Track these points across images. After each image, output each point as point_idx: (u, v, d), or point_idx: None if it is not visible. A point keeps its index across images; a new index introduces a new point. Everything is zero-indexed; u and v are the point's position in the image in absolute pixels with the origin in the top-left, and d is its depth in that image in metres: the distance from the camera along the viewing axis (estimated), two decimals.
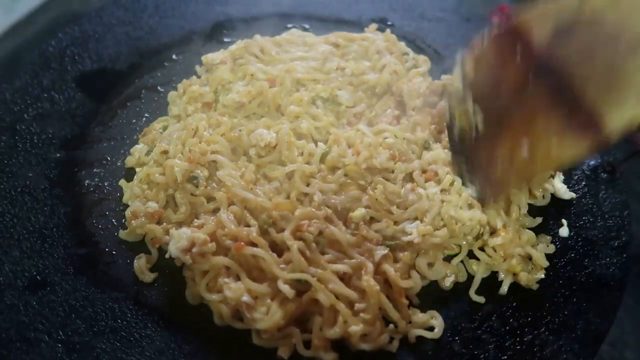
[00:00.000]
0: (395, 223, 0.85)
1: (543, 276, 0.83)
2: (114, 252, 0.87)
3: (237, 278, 0.77)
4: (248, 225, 0.81)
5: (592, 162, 0.99)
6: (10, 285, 0.79)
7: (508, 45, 0.70)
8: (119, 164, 0.98)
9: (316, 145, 0.93)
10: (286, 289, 0.74)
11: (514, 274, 0.84)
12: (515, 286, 0.84)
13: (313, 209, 0.82)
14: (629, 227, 0.90)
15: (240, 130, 0.94)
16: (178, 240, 0.78)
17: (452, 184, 0.89)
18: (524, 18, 0.70)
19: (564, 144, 0.67)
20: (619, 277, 0.84)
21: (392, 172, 0.90)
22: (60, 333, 0.75)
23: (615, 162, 0.99)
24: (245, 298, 0.74)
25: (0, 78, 1.08)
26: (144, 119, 1.07)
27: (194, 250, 0.77)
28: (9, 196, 0.90)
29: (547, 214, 0.92)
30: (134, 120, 1.07)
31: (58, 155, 0.98)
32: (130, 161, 0.97)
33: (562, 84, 0.66)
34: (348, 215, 0.85)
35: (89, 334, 0.76)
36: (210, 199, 0.87)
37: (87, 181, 0.96)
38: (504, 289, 0.83)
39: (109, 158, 1.00)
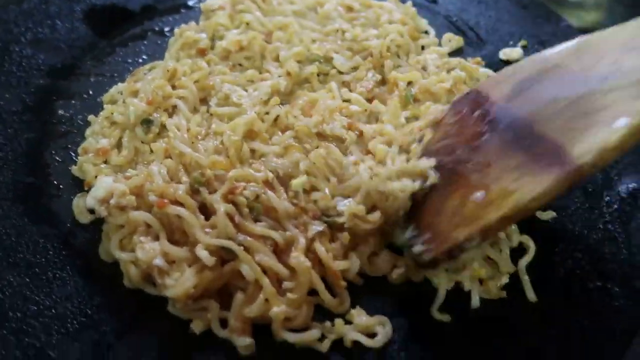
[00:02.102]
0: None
1: (507, 280, 0.69)
2: (61, 187, 0.81)
3: (157, 238, 0.68)
4: (180, 182, 0.72)
5: (632, 184, 0.80)
6: None
7: (466, 105, 0.74)
8: (98, 100, 0.93)
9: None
10: (204, 255, 0.64)
11: (481, 282, 0.69)
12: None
13: (252, 171, 0.71)
14: None
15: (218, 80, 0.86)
16: (97, 188, 0.71)
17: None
18: (485, 83, 0.76)
19: (523, 181, 0.60)
20: (626, 329, 0.65)
21: (344, 142, 0.78)
22: None
23: None
24: (158, 261, 0.65)
25: (12, 1, 1.07)
26: (140, 60, 1.02)
27: (112, 201, 0.69)
28: None
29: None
30: (130, 60, 1.02)
31: (41, 81, 0.95)
32: (106, 98, 0.91)
33: (521, 128, 0.64)
34: (290, 182, 0.73)
35: (3, 264, 0.70)
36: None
37: (60, 111, 0.91)
38: (475, 301, 0.68)
39: (91, 92, 0.95)
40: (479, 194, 0.63)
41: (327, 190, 0.74)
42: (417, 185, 0.70)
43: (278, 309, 0.62)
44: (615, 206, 0.78)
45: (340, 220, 0.71)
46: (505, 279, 0.70)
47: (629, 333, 0.66)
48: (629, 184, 0.80)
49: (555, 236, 0.76)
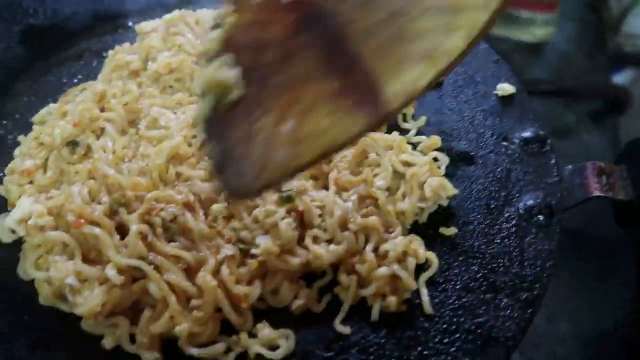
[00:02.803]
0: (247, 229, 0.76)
1: (409, 296, 0.74)
2: None
3: (73, 257, 0.71)
4: (100, 203, 0.75)
5: (529, 201, 0.86)
6: None
7: None
8: (30, 120, 0.96)
9: None
10: (112, 274, 0.67)
11: (383, 296, 0.73)
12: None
13: (172, 192, 0.75)
14: (546, 281, 0.77)
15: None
16: (17, 209, 0.74)
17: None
18: None
19: (336, 120, 0.55)
20: (512, 335, 0.71)
21: None
22: None
23: (559, 206, 0.86)
24: (70, 280, 0.68)
25: None
26: (75, 80, 1.05)
27: (30, 221, 0.72)
28: None
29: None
30: (65, 81, 1.05)
31: None
32: (36, 118, 0.94)
33: (337, 45, 0.56)
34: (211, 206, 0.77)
35: None
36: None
37: None
38: (375, 315, 0.73)
39: (23, 112, 0.97)
40: (290, 124, 0.56)
41: (246, 220, 0.77)
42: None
43: (181, 327, 0.66)
44: (513, 222, 0.84)
45: (254, 251, 0.74)
46: (407, 295, 0.75)
47: (513, 340, 0.72)
48: (527, 201, 0.86)
49: (456, 251, 0.81)
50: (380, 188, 0.81)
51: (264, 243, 0.73)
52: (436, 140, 0.92)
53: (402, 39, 0.54)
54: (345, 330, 0.72)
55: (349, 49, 0.56)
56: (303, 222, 0.77)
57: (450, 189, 0.83)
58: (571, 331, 1.16)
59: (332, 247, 0.75)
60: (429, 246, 0.80)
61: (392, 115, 0.55)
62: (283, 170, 0.57)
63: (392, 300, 0.73)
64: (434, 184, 0.82)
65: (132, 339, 0.69)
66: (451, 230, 0.83)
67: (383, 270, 0.74)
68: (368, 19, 0.56)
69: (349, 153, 0.86)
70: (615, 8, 1.83)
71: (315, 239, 0.76)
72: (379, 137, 0.87)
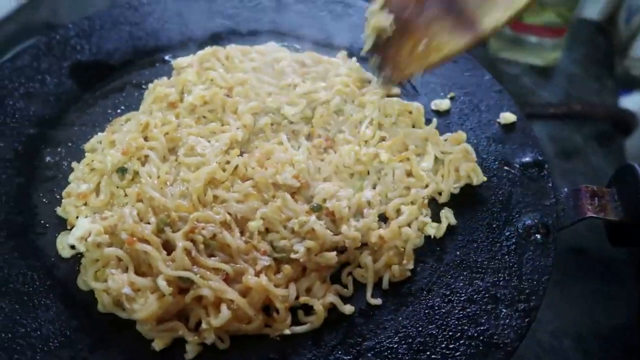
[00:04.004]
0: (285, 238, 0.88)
1: (412, 266, 0.90)
2: (47, 225, 0.95)
3: (127, 270, 0.82)
4: (148, 223, 0.86)
5: (528, 221, 0.96)
6: None
7: None
8: (81, 147, 1.07)
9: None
10: (163, 284, 0.78)
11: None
12: None
13: (211, 213, 0.86)
14: (543, 293, 0.86)
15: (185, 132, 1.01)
16: (77, 228, 0.85)
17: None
18: None
19: (451, 39, 0.95)
20: (511, 341, 0.80)
21: (296, 191, 0.94)
22: None
23: (555, 225, 0.95)
24: (126, 290, 0.79)
25: (7, 59, 1.22)
26: (119, 110, 1.16)
27: (89, 239, 0.83)
28: None
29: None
30: (110, 111, 1.16)
31: (31, 131, 1.09)
32: (87, 146, 1.06)
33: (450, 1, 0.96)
34: (247, 223, 0.88)
35: None
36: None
37: (48, 158, 1.05)
38: (385, 284, 0.88)
39: (75, 140, 1.09)
40: (424, 42, 0.98)
41: (283, 232, 0.89)
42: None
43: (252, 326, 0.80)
44: (513, 240, 0.94)
45: (295, 256, 0.85)
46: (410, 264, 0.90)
47: (512, 346, 0.81)
48: (525, 221, 0.96)
49: (462, 267, 0.91)
50: (425, 169, 1.02)
51: (303, 246, 0.85)
52: (461, 135, 1.06)
53: None
54: (377, 301, 0.86)
55: (459, 3, 0.94)
56: (334, 220, 0.92)
57: (480, 174, 1.01)
58: (575, 347, 1.24)
59: (361, 221, 0.92)
60: (438, 260, 0.91)
61: (486, 36, 0.91)
62: (419, 67, 1.01)
63: (395, 268, 0.87)
64: (468, 167, 1.01)
65: (181, 343, 0.80)
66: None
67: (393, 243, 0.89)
68: None
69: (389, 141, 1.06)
70: (623, 32, 1.92)
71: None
72: (415, 130, 1.08)
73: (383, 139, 1.07)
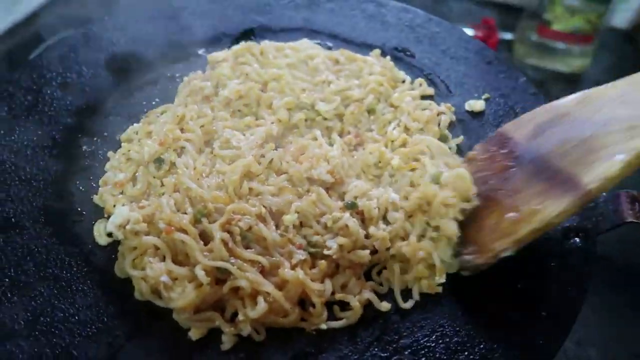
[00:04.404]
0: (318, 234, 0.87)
1: (443, 280, 0.86)
2: (84, 213, 0.96)
3: (164, 259, 0.82)
4: (185, 213, 0.86)
5: (566, 224, 0.94)
6: None
7: (496, 145, 0.93)
8: (117, 137, 1.08)
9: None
10: (201, 274, 0.78)
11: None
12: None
13: (247, 205, 0.86)
14: (583, 297, 0.85)
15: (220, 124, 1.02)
16: (116, 216, 0.85)
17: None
18: (508, 126, 0.94)
19: (546, 203, 0.79)
20: (550, 345, 0.79)
21: (330, 186, 0.93)
22: (12, 270, 0.84)
23: (595, 230, 0.94)
24: (164, 278, 0.79)
25: (45, 49, 1.24)
26: (153, 102, 1.17)
27: (127, 227, 0.84)
28: (15, 147, 1.02)
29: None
30: (144, 103, 1.17)
31: (69, 120, 1.10)
32: (123, 137, 1.07)
33: (541, 163, 0.83)
34: (282, 217, 0.88)
35: (35, 277, 0.84)
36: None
37: (85, 147, 1.06)
38: (415, 295, 0.86)
39: (111, 130, 1.10)
40: (512, 214, 0.82)
41: (317, 227, 0.89)
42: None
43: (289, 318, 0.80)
44: (552, 242, 0.92)
45: (328, 252, 0.85)
46: (442, 278, 0.87)
47: (551, 349, 0.80)
48: (564, 224, 0.94)
49: (499, 268, 0.90)
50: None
51: (336, 243, 0.84)
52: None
53: (591, 151, 0.78)
54: (408, 305, 0.85)
55: (551, 165, 0.82)
56: (364, 220, 0.91)
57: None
58: (600, 357, 1.22)
59: (389, 227, 0.90)
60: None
61: (594, 194, 0.75)
62: (507, 243, 0.81)
63: (425, 283, 0.86)
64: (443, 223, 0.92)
65: (216, 333, 0.80)
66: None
67: (421, 254, 0.87)
68: (564, 147, 0.82)
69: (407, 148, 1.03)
70: None
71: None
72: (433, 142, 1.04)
73: (404, 144, 1.06)
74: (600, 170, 0.75)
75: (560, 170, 0.79)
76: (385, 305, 0.84)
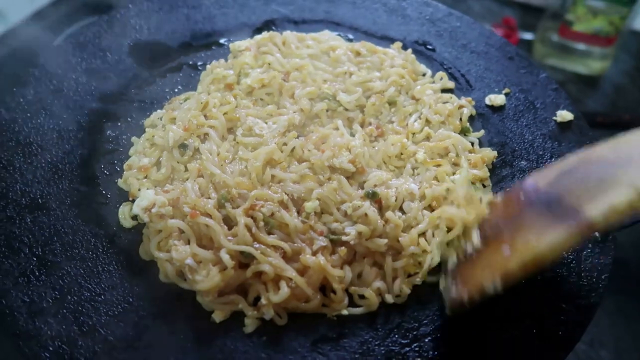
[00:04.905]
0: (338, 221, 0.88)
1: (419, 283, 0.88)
2: (108, 196, 0.97)
3: (188, 242, 0.84)
4: (209, 198, 0.87)
5: None
6: (15, 201, 0.92)
7: (517, 192, 0.84)
8: (140, 123, 1.10)
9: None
10: (226, 258, 0.79)
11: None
12: None
13: (269, 192, 0.87)
14: (602, 291, 0.85)
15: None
16: (142, 199, 0.87)
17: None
18: (535, 174, 0.85)
19: (544, 235, 0.72)
20: (569, 336, 0.80)
21: (349, 173, 0.94)
22: (40, 249, 0.86)
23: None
24: (189, 261, 0.80)
25: (70, 35, 1.25)
26: (176, 90, 1.19)
27: (153, 210, 0.85)
28: (41, 130, 1.04)
29: None
30: (167, 90, 1.18)
31: (94, 105, 1.11)
32: (147, 122, 1.08)
33: (553, 202, 0.76)
34: (303, 204, 0.89)
35: (62, 256, 0.86)
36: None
37: (109, 132, 1.08)
38: (397, 289, 0.87)
39: (134, 116, 1.11)
40: (506, 248, 0.75)
41: (337, 215, 0.90)
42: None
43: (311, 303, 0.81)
44: None
45: (346, 239, 0.86)
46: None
47: (571, 340, 0.80)
48: None
49: None
50: (455, 181, 0.97)
51: (355, 230, 0.85)
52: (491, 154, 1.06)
53: (603, 187, 0.72)
54: (389, 299, 0.86)
55: (561, 201, 0.75)
56: (381, 207, 0.92)
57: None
58: (612, 358, 1.23)
59: (404, 216, 0.92)
60: None
61: (596, 224, 0.69)
62: (492, 279, 0.74)
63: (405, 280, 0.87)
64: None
65: (239, 317, 0.81)
66: None
67: (412, 249, 0.88)
68: (581, 187, 0.75)
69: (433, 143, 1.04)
70: None
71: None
72: (461, 139, 1.05)
73: (429, 137, 1.07)
74: (605, 200, 0.69)
75: (567, 205, 0.73)
76: (389, 297, 0.85)
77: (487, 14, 2.02)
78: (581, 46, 1.76)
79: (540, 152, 1.07)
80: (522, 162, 1.06)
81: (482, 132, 1.11)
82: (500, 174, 1.05)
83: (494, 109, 1.17)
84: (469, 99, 1.17)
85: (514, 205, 0.83)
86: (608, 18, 1.67)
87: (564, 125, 1.12)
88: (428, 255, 0.89)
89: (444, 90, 1.20)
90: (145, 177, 0.98)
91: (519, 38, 1.89)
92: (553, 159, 1.06)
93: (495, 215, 0.86)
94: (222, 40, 1.31)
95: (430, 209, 0.95)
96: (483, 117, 1.16)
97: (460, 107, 1.14)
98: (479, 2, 2.07)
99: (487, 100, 1.19)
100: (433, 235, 0.91)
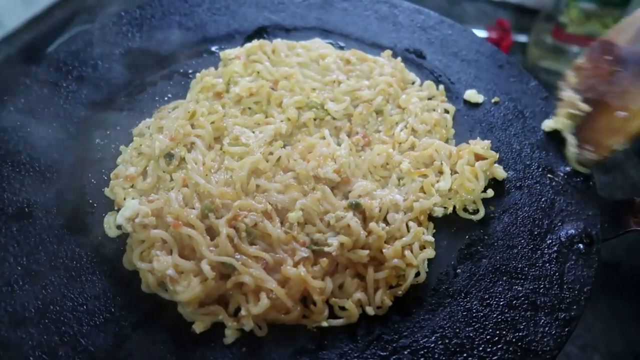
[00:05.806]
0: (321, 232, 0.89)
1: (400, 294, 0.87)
2: (95, 205, 0.98)
3: (171, 252, 0.84)
4: (193, 208, 0.88)
5: (571, 230, 0.94)
6: (2, 210, 0.93)
7: (599, 52, 1.00)
8: (129, 131, 1.10)
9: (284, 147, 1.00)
10: (207, 268, 0.80)
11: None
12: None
13: (253, 202, 0.88)
14: (584, 303, 0.85)
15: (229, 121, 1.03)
16: (126, 208, 0.87)
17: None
18: (610, 32, 1.00)
19: None
20: (550, 350, 0.80)
21: (334, 183, 0.94)
22: (24, 259, 0.87)
23: (599, 236, 0.94)
24: (170, 271, 0.81)
25: (62, 43, 1.26)
26: (166, 98, 1.19)
27: (137, 220, 0.86)
28: (30, 139, 1.05)
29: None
30: (157, 98, 1.19)
31: (83, 113, 1.12)
32: (135, 131, 1.09)
33: None
34: (287, 214, 0.89)
35: (46, 266, 0.87)
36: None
37: (97, 140, 1.08)
38: (378, 300, 0.86)
39: (123, 124, 1.12)
40: (622, 113, 0.92)
41: (320, 225, 0.90)
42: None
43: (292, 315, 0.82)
44: (555, 248, 0.93)
45: (328, 249, 0.86)
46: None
47: (550, 354, 0.80)
48: (568, 230, 0.95)
49: (500, 271, 0.90)
50: (441, 189, 1.00)
51: (337, 240, 0.86)
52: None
53: None
54: (370, 311, 0.85)
55: None
56: (365, 218, 0.92)
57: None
58: None
59: (387, 227, 0.92)
60: (478, 264, 0.90)
61: None
62: (621, 138, 0.94)
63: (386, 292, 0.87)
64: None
65: (220, 327, 0.81)
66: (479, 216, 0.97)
67: (395, 261, 0.87)
68: None
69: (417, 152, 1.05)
70: None
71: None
72: (443, 146, 1.05)
73: (413, 146, 1.07)
74: None
75: None
76: (370, 309, 0.85)
77: (481, 16, 2.02)
78: (575, 48, 1.76)
79: (528, 162, 1.07)
80: (509, 172, 1.06)
81: (488, 142, 1.08)
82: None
83: (482, 122, 1.17)
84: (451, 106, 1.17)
85: (601, 65, 0.98)
86: (601, 20, 1.67)
87: (552, 135, 1.11)
88: (412, 269, 0.88)
89: (431, 100, 1.20)
90: (132, 187, 0.98)
91: (512, 40, 1.88)
92: (540, 169, 1.06)
93: (586, 77, 1.00)
94: (213, 48, 1.31)
95: (417, 221, 0.95)
96: (471, 126, 1.16)
97: (446, 111, 1.15)
98: (473, 4, 2.07)
99: (466, 95, 1.19)
100: (420, 249, 0.91)
